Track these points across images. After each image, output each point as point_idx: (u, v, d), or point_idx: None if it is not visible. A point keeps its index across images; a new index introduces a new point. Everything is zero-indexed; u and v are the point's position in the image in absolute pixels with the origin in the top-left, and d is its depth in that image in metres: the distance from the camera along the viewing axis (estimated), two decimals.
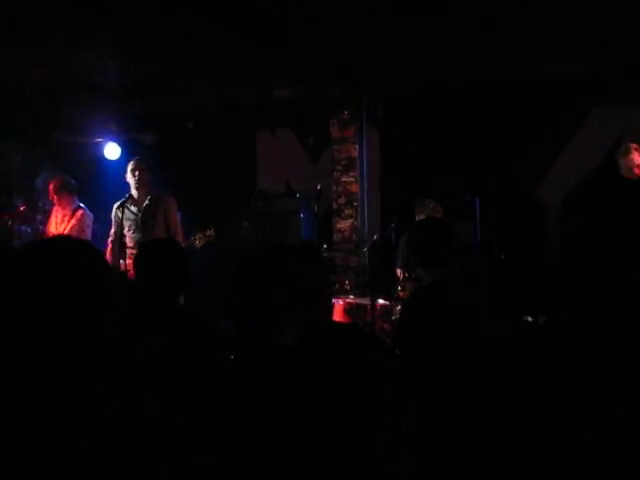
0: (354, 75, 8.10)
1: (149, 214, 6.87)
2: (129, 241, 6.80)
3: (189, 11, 5.77)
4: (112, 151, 9.05)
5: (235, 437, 2.12)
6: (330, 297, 6.36)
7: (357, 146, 8.63)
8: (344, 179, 8.65)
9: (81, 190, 8.00)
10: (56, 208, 7.78)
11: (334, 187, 8.71)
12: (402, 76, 8.07)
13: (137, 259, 3.41)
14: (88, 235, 7.63)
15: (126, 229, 6.85)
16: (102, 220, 7.84)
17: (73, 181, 7.75)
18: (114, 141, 9.04)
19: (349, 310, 6.66)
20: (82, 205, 7.75)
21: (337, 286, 7.00)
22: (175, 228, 6.95)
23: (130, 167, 6.92)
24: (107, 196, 8.03)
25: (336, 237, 8.69)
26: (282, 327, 2.33)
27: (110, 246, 6.97)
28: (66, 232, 7.53)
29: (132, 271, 3.64)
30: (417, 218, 6.88)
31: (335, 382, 2.29)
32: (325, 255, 7.18)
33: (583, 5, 5.79)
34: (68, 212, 7.66)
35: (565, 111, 8.01)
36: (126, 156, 9.26)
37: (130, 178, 6.93)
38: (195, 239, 6.54)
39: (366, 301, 6.63)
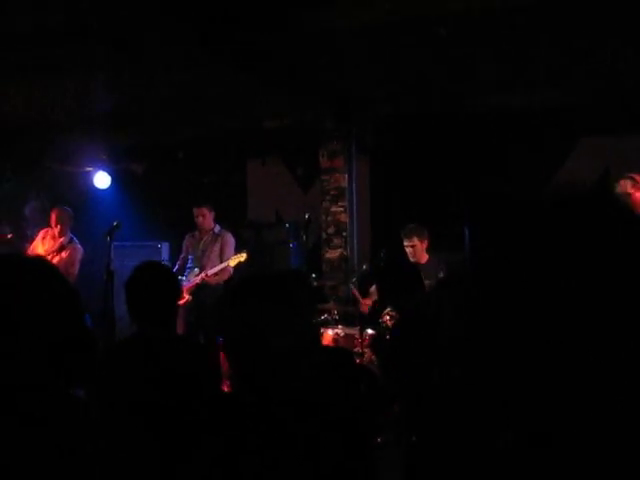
0: (343, 106, 8.14)
1: (207, 246, 7.94)
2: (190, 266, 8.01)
3: (179, 40, 5.81)
4: (102, 180, 9.04)
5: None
6: (318, 324, 6.33)
7: (346, 176, 8.64)
8: (333, 209, 8.66)
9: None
10: (43, 235, 7.79)
11: (323, 217, 8.70)
12: (391, 106, 8.12)
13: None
14: (76, 269, 7.67)
15: (190, 256, 8.03)
16: (90, 249, 7.82)
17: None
18: (104, 170, 9.04)
19: (338, 340, 6.63)
20: (75, 239, 7.77)
21: (326, 316, 6.96)
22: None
23: (194, 213, 7.95)
24: (96, 225, 8.03)
25: (325, 267, 8.67)
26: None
27: (177, 267, 8.02)
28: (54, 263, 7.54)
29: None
30: (404, 243, 6.90)
31: (328, 405, 2.26)
32: (314, 284, 7.17)
33: (571, 36, 5.86)
34: (59, 243, 7.67)
35: (553, 142, 8.06)
36: (116, 185, 9.27)
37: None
38: (230, 259, 7.62)
39: (355, 331, 6.60)
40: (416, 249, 6.90)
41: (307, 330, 2.27)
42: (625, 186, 6.25)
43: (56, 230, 7.76)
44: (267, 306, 2.16)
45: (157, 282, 3.13)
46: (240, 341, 2.14)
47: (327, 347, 4.82)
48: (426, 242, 7.00)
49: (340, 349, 5.17)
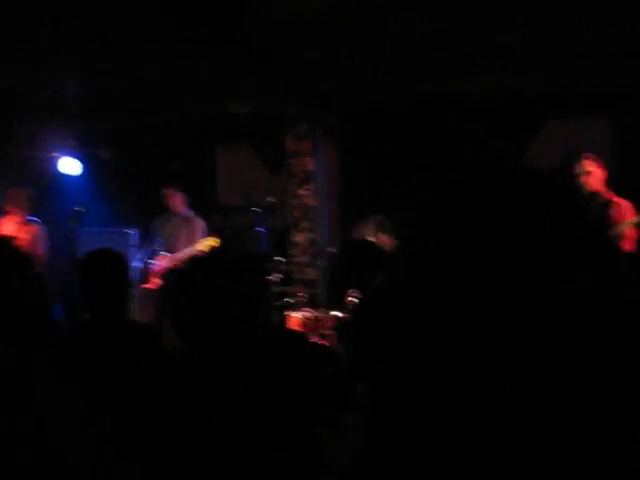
0: (309, 90, 8.14)
1: (175, 229, 7.94)
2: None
3: (147, 25, 5.77)
4: (69, 165, 8.97)
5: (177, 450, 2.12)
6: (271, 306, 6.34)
7: (313, 159, 8.64)
8: (300, 192, 8.64)
9: (36, 205, 7.94)
10: (6, 220, 7.63)
11: (290, 200, 8.70)
12: (358, 91, 8.13)
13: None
14: (42, 250, 7.51)
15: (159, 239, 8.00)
16: (56, 235, 7.77)
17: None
18: (71, 156, 8.97)
19: (305, 323, 6.67)
20: (35, 219, 7.66)
21: (289, 299, 6.99)
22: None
23: (164, 193, 7.98)
24: (64, 212, 7.99)
25: (292, 250, 8.68)
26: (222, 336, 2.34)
27: (148, 251, 8.04)
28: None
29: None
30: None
31: (277, 388, 2.30)
32: (282, 268, 7.21)
33: (538, 21, 5.90)
34: (20, 226, 7.52)
35: (519, 125, 8.14)
36: (84, 171, 9.21)
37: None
38: (200, 243, 7.50)
39: (322, 314, 6.65)
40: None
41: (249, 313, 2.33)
42: (585, 165, 6.46)
43: (16, 211, 7.56)
44: (209, 287, 2.22)
45: (105, 270, 3.14)
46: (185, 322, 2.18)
47: (279, 331, 4.89)
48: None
49: (292, 333, 5.23)
